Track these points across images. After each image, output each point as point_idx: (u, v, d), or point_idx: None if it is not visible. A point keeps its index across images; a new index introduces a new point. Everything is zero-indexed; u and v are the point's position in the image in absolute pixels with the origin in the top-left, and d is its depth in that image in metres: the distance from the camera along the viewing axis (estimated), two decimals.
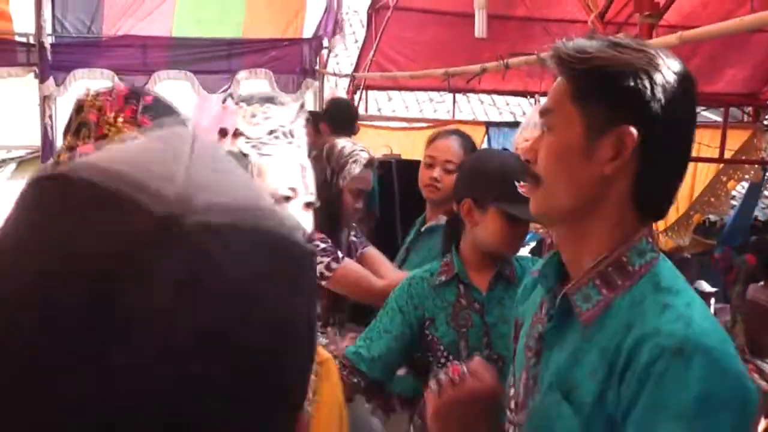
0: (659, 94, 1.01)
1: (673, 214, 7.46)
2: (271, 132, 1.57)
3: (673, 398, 0.93)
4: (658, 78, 1.02)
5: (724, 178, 7.08)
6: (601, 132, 1.03)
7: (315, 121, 4.62)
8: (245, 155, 1.66)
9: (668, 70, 1.03)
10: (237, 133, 1.57)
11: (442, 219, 2.39)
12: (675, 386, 0.93)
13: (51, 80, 5.69)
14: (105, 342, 0.36)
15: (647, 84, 1.01)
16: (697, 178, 7.03)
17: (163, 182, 0.40)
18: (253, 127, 1.66)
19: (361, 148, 2.54)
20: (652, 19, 3.07)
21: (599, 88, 1.04)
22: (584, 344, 1.04)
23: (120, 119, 1.02)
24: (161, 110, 1.09)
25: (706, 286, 6.71)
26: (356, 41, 7.97)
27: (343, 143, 2.50)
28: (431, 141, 2.70)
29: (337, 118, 4.22)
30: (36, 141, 6.01)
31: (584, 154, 1.04)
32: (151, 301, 0.37)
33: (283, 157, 1.69)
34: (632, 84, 1.01)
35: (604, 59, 1.04)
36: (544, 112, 1.11)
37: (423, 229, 2.61)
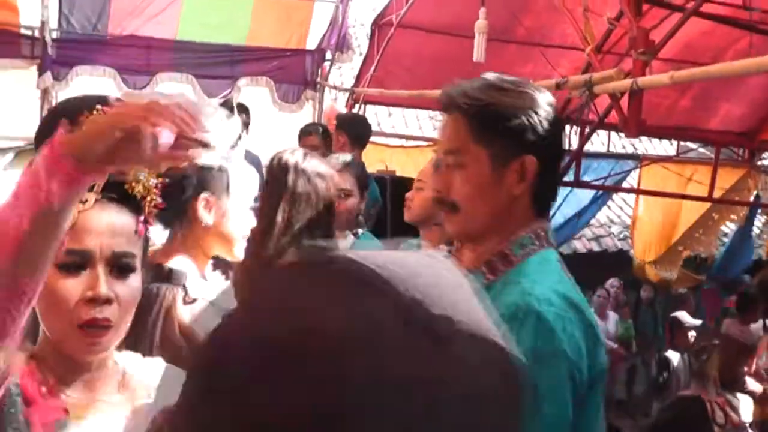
0: (543, 126, 1.28)
1: (661, 247, 7.50)
2: (232, 145, 1.63)
3: None
4: (540, 113, 1.28)
5: (716, 216, 7.13)
6: (505, 163, 1.29)
7: (326, 132, 4.68)
8: (222, 170, 1.70)
9: (545, 105, 1.29)
10: (208, 146, 1.60)
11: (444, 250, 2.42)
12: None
13: (48, 74, 5.72)
14: None
15: (534, 120, 1.27)
16: (686, 211, 7.06)
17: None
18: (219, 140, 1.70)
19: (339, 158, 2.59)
20: (646, 57, 3.11)
21: (495, 128, 1.29)
22: None
23: None
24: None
25: (688, 318, 6.74)
26: (360, 54, 7.99)
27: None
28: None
29: (358, 134, 4.31)
30: (34, 132, 6.03)
31: (495, 182, 1.30)
32: None
33: (242, 167, 1.76)
34: (522, 122, 1.27)
35: (494, 104, 1.28)
36: (450, 152, 1.34)
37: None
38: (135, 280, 1.10)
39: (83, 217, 1.04)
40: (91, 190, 1.02)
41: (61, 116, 1.01)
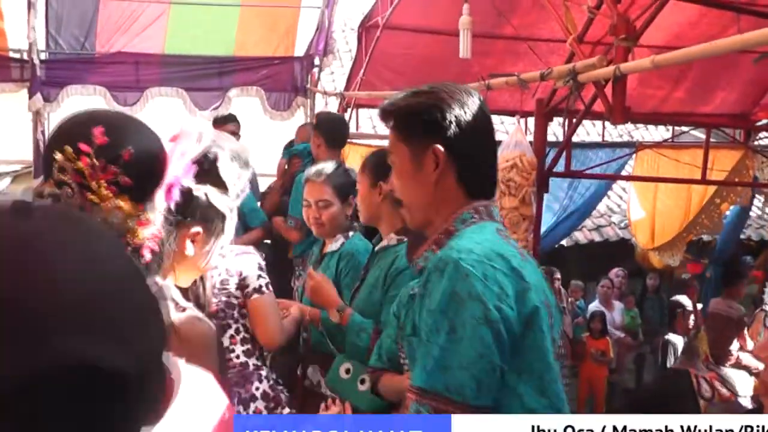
0: (450, 119, 1.44)
1: (667, 234, 7.47)
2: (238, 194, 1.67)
3: (431, 298, 1.32)
4: (450, 108, 1.45)
5: (718, 200, 7.10)
6: (422, 154, 1.47)
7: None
8: (223, 215, 1.72)
9: (457, 102, 1.46)
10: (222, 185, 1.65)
11: (393, 239, 2.50)
12: (433, 290, 1.32)
13: (38, 96, 5.74)
14: None
15: (439, 115, 1.45)
16: (685, 196, 7.04)
17: None
18: (233, 187, 1.75)
19: None
20: (627, 42, 3.09)
21: (408, 126, 1.49)
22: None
23: (103, 186, 1.04)
24: (141, 165, 1.09)
25: (688, 302, 6.73)
26: (352, 58, 8.00)
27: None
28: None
29: (333, 134, 4.23)
30: (30, 156, 6.06)
31: (416, 172, 1.48)
32: None
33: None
34: (429, 117, 1.45)
35: (405, 106, 1.49)
36: (389, 154, 1.56)
37: (376, 249, 2.62)
38: None
39: None
40: None
41: (57, 147, 1.01)
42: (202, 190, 1.68)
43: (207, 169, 1.70)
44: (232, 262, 2.37)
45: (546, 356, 1.36)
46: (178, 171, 1.30)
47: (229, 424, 1.13)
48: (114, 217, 1.05)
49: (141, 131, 1.12)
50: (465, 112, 1.46)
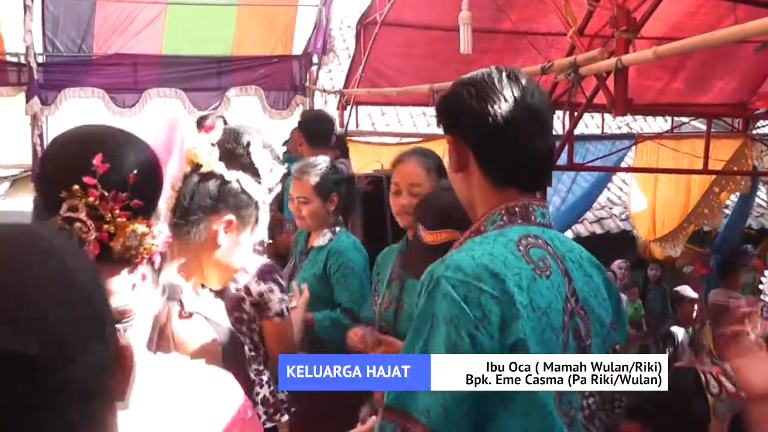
0: (466, 111, 1.39)
1: (668, 225, 7.49)
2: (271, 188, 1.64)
3: (415, 313, 1.27)
4: (465, 100, 1.39)
5: (717, 189, 7.11)
6: (450, 148, 1.44)
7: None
8: (257, 204, 1.69)
9: (477, 91, 1.38)
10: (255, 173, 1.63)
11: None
12: (418, 304, 1.27)
13: (36, 99, 5.73)
14: None
15: (453, 108, 1.43)
16: (686, 186, 7.05)
17: None
18: (266, 178, 1.71)
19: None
20: (628, 34, 3.09)
21: (439, 121, 1.48)
22: None
23: (117, 214, 1.04)
24: (146, 183, 1.08)
25: (690, 292, 6.75)
26: (350, 56, 7.99)
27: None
28: (394, 165, 2.77)
29: (312, 132, 4.18)
30: (29, 160, 6.05)
31: (450, 165, 1.46)
32: None
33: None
34: (445, 112, 1.46)
35: (441, 98, 1.48)
36: None
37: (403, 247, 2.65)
38: (134, 331, 1.10)
39: None
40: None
41: (60, 185, 1.01)
42: (234, 176, 1.63)
43: (239, 155, 1.65)
44: (252, 280, 2.27)
45: (534, 393, 1.22)
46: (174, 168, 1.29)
47: (245, 420, 1.13)
48: (132, 239, 1.05)
49: (135, 146, 1.11)
50: (480, 96, 1.38)
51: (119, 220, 1.03)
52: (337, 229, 3.02)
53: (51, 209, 1.01)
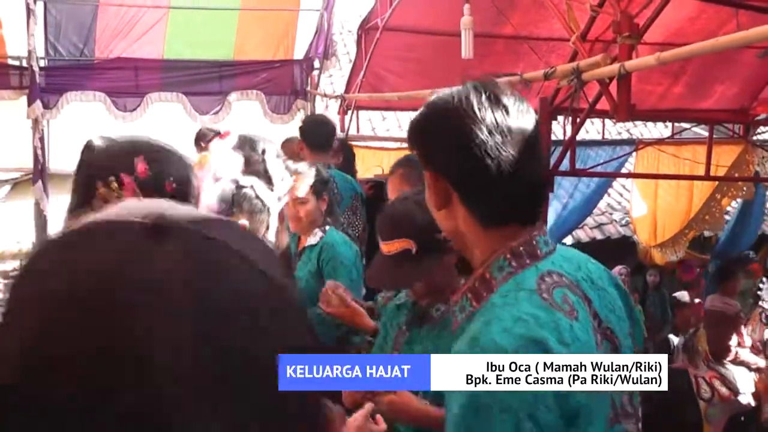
0: (438, 143, 1.25)
1: (669, 231, 7.49)
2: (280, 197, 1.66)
3: (456, 402, 1.11)
4: (437, 132, 1.25)
5: (719, 196, 7.12)
6: (428, 182, 1.29)
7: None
8: (267, 210, 1.72)
9: (452, 119, 1.21)
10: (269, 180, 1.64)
11: None
12: (459, 400, 1.10)
13: (38, 103, 5.73)
14: None
15: (424, 141, 1.29)
16: (686, 192, 7.05)
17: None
18: (278, 185, 1.74)
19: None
20: (631, 40, 3.09)
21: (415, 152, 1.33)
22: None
23: None
24: (182, 195, 1.09)
25: (688, 297, 6.76)
26: (350, 61, 8.01)
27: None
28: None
29: (313, 136, 4.17)
30: (30, 163, 6.05)
31: (430, 201, 1.30)
32: None
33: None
34: (418, 144, 1.31)
35: (413, 128, 1.31)
36: None
37: None
38: None
39: None
40: None
41: (99, 177, 1.00)
42: (248, 182, 1.67)
43: (255, 161, 1.69)
44: None
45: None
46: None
47: None
48: None
49: (178, 160, 1.12)
50: (458, 127, 1.21)
51: None
52: (327, 227, 3.21)
53: (84, 204, 1.00)
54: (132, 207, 0.49)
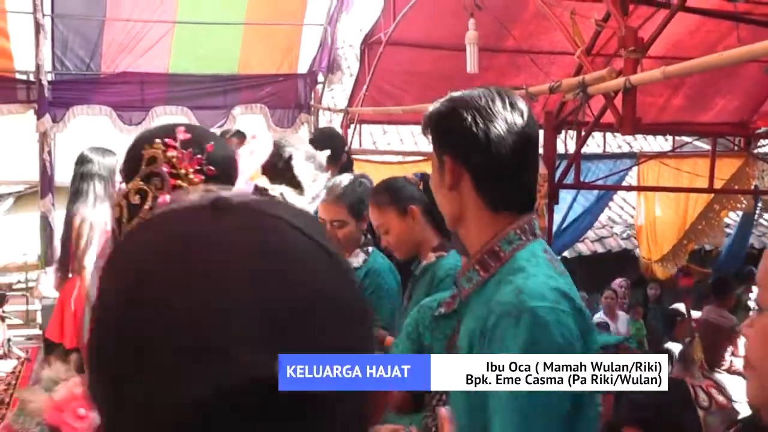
0: (463, 128, 1.36)
1: (667, 244, 7.52)
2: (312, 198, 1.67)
3: (507, 348, 1.23)
4: (463, 117, 1.36)
5: (717, 207, 7.15)
6: (441, 164, 1.42)
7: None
8: None
9: (474, 109, 1.36)
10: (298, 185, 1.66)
11: (432, 257, 2.41)
12: (507, 340, 1.25)
13: (47, 116, 5.78)
14: None
15: (450, 124, 1.38)
16: (687, 205, 7.09)
17: None
18: (308, 188, 1.75)
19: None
20: (636, 54, 3.14)
21: (431, 135, 1.44)
22: (467, 313, 1.43)
23: (191, 172, 1.09)
24: (221, 158, 1.16)
25: (683, 308, 6.78)
26: (351, 75, 8.06)
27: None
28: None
29: (323, 150, 4.17)
30: (34, 176, 6.08)
31: (439, 182, 1.44)
32: None
33: None
34: (441, 127, 1.41)
35: (426, 116, 1.43)
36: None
37: (417, 272, 2.54)
38: None
39: None
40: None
41: (144, 143, 1.07)
42: (277, 190, 1.66)
43: (282, 169, 1.69)
44: None
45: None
46: (248, 170, 1.35)
47: None
48: None
49: (216, 136, 1.20)
50: (482, 121, 1.37)
51: (193, 178, 1.09)
52: (370, 249, 2.90)
53: (134, 173, 1.07)
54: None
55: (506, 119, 1.38)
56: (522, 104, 1.41)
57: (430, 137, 1.46)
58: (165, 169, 1.07)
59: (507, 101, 1.40)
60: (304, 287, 0.51)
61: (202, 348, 0.47)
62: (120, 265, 0.53)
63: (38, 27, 5.59)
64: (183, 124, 1.16)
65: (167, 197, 1.05)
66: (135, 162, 1.09)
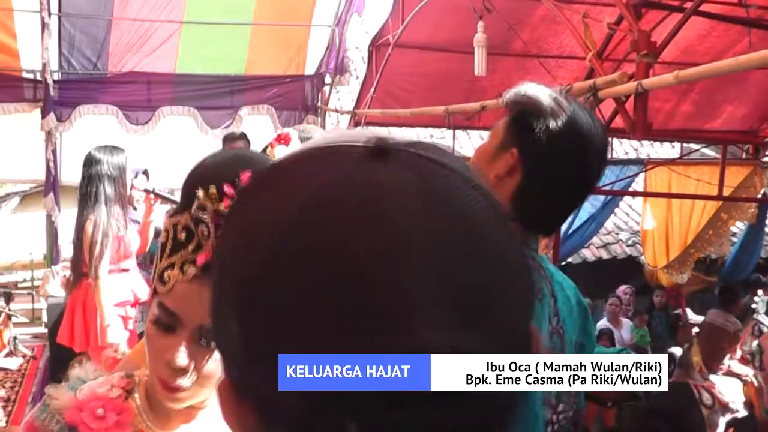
0: (538, 126, 1.34)
1: (673, 252, 7.48)
2: None
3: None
4: (539, 117, 1.35)
5: (725, 216, 7.11)
6: (503, 149, 1.39)
7: None
8: None
9: (551, 115, 1.34)
10: None
11: None
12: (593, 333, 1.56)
13: (52, 115, 5.76)
14: None
15: (526, 120, 1.36)
16: (694, 213, 7.06)
17: None
18: None
19: None
20: (649, 59, 3.11)
21: (511, 119, 1.42)
22: None
23: None
24: None
25: (690, 315, 6.77)
26: (357, 77, 8.05)
27: None
28: None
29: None
30: (41, 175, 6.07)
31: (491, 160, 1.40)
32: None
33: None
34: (518, 117, 1.39)
35: (520, 102, 1.40)
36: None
37: None
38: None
39: (183, 287, 1.00)
40: (193, 263, 1.01)
41: (201, 184, 1.00)
42: None
43: None
44: None
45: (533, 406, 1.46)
46: None
47: None
48: None
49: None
50: (561, 133, 1.35)
51: None
52: None
53: (184, 210, 1.00)
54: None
55: (585, 163, 1.37)
56: (597, 127, 1.39)
57: (512, 114, 1.43)
58: (212, 222, 1.00)
59: (592, 122, 1.38)
60: (490, 255, 0.46)
61: (380, 320, 0.43)
62: (266, 225, 0.46)
63: (44, 25, 5.57)
64: (253, 162, 1.06)
65: (203, 258, 0.99)
66: (189, 194, 1.01)
